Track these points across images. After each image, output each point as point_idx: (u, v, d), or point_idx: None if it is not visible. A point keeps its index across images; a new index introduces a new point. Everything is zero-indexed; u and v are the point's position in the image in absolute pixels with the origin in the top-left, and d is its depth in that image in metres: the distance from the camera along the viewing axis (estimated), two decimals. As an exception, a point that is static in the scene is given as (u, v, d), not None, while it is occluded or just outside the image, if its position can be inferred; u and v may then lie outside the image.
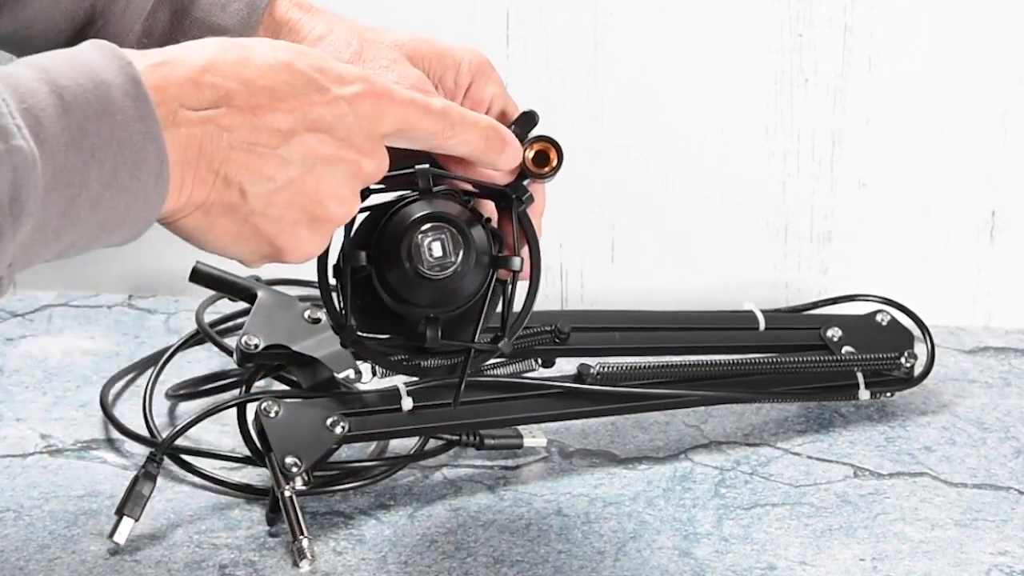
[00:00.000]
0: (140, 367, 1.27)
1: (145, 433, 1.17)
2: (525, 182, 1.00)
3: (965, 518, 1.09)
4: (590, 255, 1.39)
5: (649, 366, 1.17)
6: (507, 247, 0.99)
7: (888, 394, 1.23)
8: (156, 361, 1.25)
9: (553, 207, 1.37)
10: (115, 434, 1.19)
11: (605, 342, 1.19)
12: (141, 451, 1.16)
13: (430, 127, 0.91)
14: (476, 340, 0.99)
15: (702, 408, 1.23)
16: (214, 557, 1.05)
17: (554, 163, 1.00)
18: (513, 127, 1.00)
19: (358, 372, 1.10)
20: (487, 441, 1.14)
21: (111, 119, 0.77)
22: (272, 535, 1.07)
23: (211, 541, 1.06)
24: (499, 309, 1.00)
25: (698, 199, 1.37)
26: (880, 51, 1.31)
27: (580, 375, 1.16)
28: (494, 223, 1.00)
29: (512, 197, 0.99)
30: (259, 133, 0.84)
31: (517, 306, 1.01)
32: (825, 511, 1.10)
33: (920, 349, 1.24)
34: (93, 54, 0.80)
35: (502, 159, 0.97)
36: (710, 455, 1.17)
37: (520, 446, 1.16)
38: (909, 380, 1.22)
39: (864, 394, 1.20)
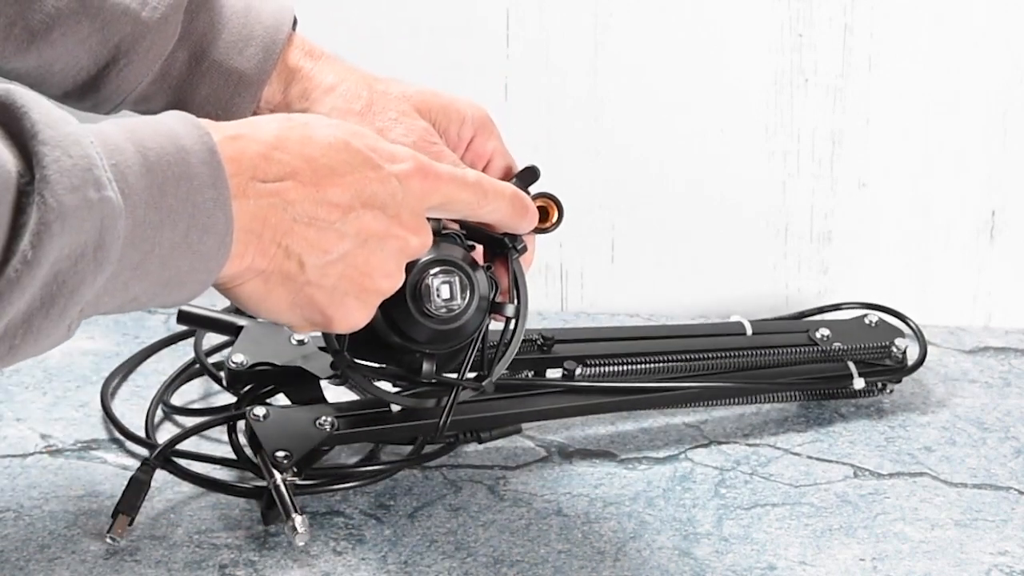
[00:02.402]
0: (139, 359, 1.29)
1: (142, 434, 1.18)
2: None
3: (965, 518, 1.09)
4: (590, 255, 1.39)
5: (640, 358, 1.18)
6: (501, 292, 1.04)
7: (888, 390, 1.23)
8: (152, 352, 1.29)
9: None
10: (115, 434, 1.19)
11: (590, 350, 1.19)
12: (142, 451, 1.16)
13: (468, 199, 0.96)
14: (463, 377, 1.05)
15: (702, 408, 1.23)
16: (214, 557, 1.05)
17: (555, 219, 1.06)
18: (515, 181, 1.06)
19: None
20: (483, 435, 1.15)
21: (188, 183, 0.82)
22: (272, 535, 1.07)
23: (211, 541, 1.06)
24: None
25: (698, 199, 1.37)
26: (880, 51, 1.31)
27: (566, 374, 1.17)
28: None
29: (509, 246, 1.04)
30: (320, 208, 0.89)
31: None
32: (825, 511, 1.10)
33: (912, 341, 1.24)
34: (175, 122, 0.84)
35: (524, 223, 1.02)
36: (710, 455, 1.17)
37: (520, 431, 1.17)
38: (903, 368, 1.22)
39: (859, 383, 1.20)
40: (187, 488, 1.12)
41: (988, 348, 1.33)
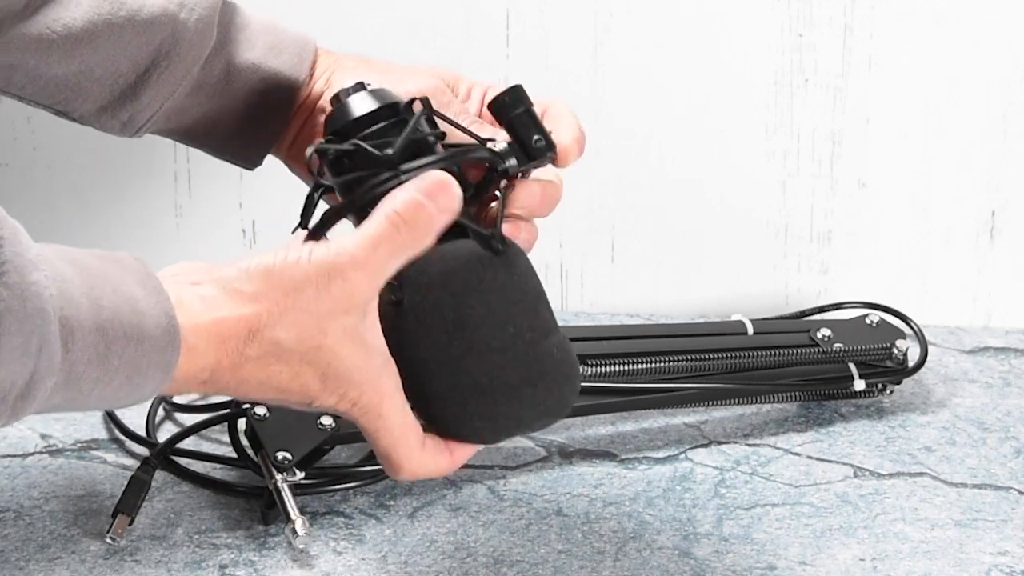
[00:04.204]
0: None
1: (143, 433, 1.18)
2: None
3: (965, 518, 1.09)
4: (590, 255, 1.39)
5: (641, 358, 1.19)
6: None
7: (888, 391, 1.23)
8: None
9: (553, 207, 1.38)
10: (115, 434, 1.19)
11: (590, 350, 1.19)
12: (142, 451, 1.16)
13: (399, 260, 0.89)
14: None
15: (702, 408, 1.23)
16: (214, 557, 1.05)
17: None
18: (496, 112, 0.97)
19: None
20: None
21: (138, 346, 0.82)
22: (272, 535, 1.07)
23: (211, 541, 1.06)
24: None
25: (698, 199, 1.37)
26: (880, 51, 1.31)
27: None
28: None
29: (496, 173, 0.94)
30: (270, 389, 0.88)
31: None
32: (825, 511, 1.10)
33: (913, 342, 1.24)
34: (138, 286, 0.83)
35: (438, 220, 0.90)
36: (710, 455, 1.17)
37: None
38: (903, 371, 1.22)
39: (859, 384, 1.20)
40: (187, 488, 1.12)
41: (988, 348, 1.33)
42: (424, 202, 0.87)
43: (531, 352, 0.90)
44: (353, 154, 0.92)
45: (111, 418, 1.20)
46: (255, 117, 1.05)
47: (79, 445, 1.18)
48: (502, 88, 0.97)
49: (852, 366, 1.21)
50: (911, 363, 1.23)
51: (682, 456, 1.17)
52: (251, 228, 1.41)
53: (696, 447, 1.18)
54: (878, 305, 1.29)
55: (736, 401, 1.22)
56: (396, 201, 0.87)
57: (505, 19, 1.33)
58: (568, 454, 1.17)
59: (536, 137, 0.95)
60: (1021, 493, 1.12)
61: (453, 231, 0.90)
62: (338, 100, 0.94)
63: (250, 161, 1.08)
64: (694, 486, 1.13)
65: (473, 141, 0.95)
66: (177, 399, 1.22)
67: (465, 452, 0.92)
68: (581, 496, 1.12)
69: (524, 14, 1.33)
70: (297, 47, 1.06)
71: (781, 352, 1.21)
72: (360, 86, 0.95)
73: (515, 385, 0.89)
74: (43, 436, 1.19)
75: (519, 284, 0.91)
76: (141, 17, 1.01)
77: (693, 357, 1.20)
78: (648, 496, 1.12)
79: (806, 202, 1.36)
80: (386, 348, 0.88)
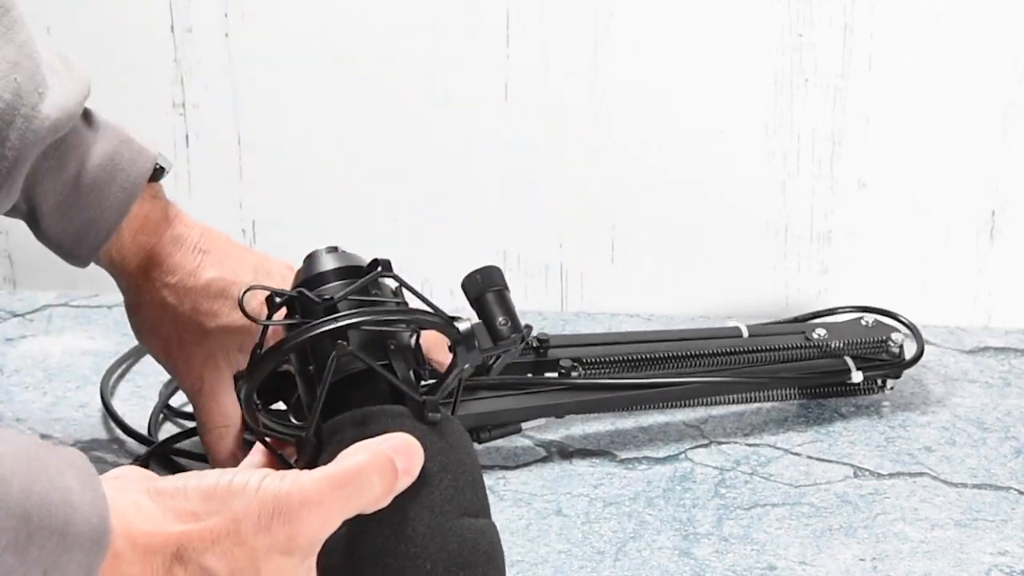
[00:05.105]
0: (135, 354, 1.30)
1: (143, 431, 1.19)
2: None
3: (965, 518, 1.09)
4: (590, 255, 1.39)
5: (637, 360, 1.19)
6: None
7: (889, 387, 1.23)
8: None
9: (553, 207, 1.38)
10: (116, 434, 1.19)
11: (586, 354, 1.19)
12: (143, 452, 1.16)
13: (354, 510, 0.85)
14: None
15: (702, 408, 1.23)
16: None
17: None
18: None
19: None
20: (483, 436, 1.14)
21: (62, 539, 0.77)
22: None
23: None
24: None
25: (698, 199, 1.37)
26: (880, 51, 1.31)
27: (562, 373, 1.17)
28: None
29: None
30: None
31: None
32: (825, 511, 1.10)
33: (908, 338, 1.24)
34: (75, 479, 0.79)
35: (399, 482, 0.86)
36: (710, 455, 1.17)
37: (519, 430, 1.16)
38: (900, 363, 1.22)
39: (856, 375, 1.20)
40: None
41: (988, 348, 1.33)
42: (394, 461, 0.83)
43: (443, 532, 0.85)
44: (296, 301, 0.91)
45: (112, 418, 1.20)
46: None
47: (79, 445, 1.17)
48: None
49: (848, 360, 1.21)
50: (907, 356, 1.23)
51: (682, 456, 1.17)
52: (251, 228, 1.41)
53: (696, 447, 1.18)
54: (871, 308, 1.28)
55: (735, 399, 1.22)
56: (367, 452, 0.83)
57: (505, 19, 1.33)
58: (568, 454, 1.17)
59: (502, 319, 0.92)
60: (1021, 493, 1.12)
61: (390, 393, 0.88)
62: (308, 258, 0.94)
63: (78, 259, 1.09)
64: (694, 486, 1.13)
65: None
66: (174, 402, 1.22)
67: None
68: (581, 496, 1.12)
69: (524, 14, 1.33)
70: (94, 235, 1.06)
71: (777, 351, 1.21)
72: (333, 248, 0.95)
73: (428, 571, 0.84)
74: (43, 436, 1.19)
75: (449, 458, 0.87)
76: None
77: (689, 357, 1.20)
78: (648, 496, 1.12)
79: (806, 202, 1.36)
80: None
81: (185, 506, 0.80)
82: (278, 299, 0.92)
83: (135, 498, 0.80)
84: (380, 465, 0.83)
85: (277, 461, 0.90)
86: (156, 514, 0.80)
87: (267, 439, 0.89)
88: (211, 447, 1.08)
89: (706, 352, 1.21)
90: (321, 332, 0.87)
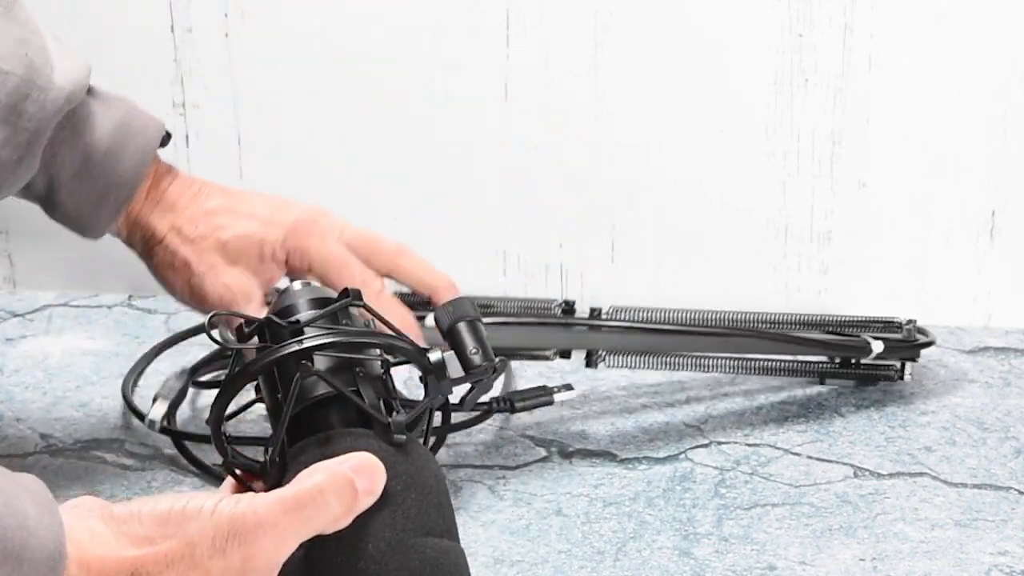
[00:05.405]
0: (156, 352, 1.30)
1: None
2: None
3: (965, 518, 1.09)
4: (590, 255, 1.39)
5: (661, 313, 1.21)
6: None
7: (908, 373, 1.24)
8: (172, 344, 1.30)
9: (553, 207, 1.38)
10: (115, 434, 1.19)
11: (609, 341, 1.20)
12: (143, 451, 1.16)
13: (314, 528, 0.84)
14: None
15: (702, 408, 1.23)
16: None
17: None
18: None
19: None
20: (517, 404, 1.13)
21: (17, 565, 0.77)
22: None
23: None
24: None
25: (698, 199, 1.37)
26: (880, 51, 1.31)
27: (593, 312, 1.19)
28: None
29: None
30: None
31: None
32: (825, 511, 1.10)
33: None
34: (32, 504, 0.79)
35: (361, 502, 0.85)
36: (710, 455, 1.17)
37: (551, 402, 1.15)
38: (916, 343, 1.23)
39: (877, 345, 1.21)
40: (192, 480, 1.12)
41: (988, 348, 1.33)
42: (353, 480, 0.82)
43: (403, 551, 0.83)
44: (266, 328, 0.91)
45: (129, 406, 1.20)
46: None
47: (79, 445, 1.18)
48: (357, 227, 1.05)
49: (868, 337, 1.22)
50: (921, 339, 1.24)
51: (682, 456, 1.17)
52: (251, 228, 1.41)
53: (696, 447, 1.18)
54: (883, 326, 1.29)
55: (755, 368, 1.23)
56: (324, 473, 0.82)
57: (505, 19, 1.33)
58: (568, 454, 1.17)
59: (473, 348, 0.91)
60: (1021, 493, 1.12)
61: (357, 418, 0.87)
62: (281, 292, 0.94)
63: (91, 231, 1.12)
64: (694, 486, 1.13)
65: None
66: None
67: None
68: (581, 496, 1.12)
69: (524, 14, 1.33)
70: (117, 199, 1.09)
71: (801, 324, 1.24)
72: (306, 283, 0.95)
73: None
74: (43, 436, 1.19)
75: (414, 478, 0.85)
76: None
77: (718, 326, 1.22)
78: (648, 496, 1.12)
79: (806, 202, 1.36)
80: None
81: (139, 531, 0.80)
82: (247, 328, 0.91)
83: (89, 524, 0.80)
84: (338, 485, 0.81)
85: (245, 492, 0.89)
86: (110, 539, 0.79)
87: (236, 471, 0.89)
88: None
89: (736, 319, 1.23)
90: (287, 353, 0.86)
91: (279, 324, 0.89)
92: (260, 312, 1.09)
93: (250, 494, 0.81)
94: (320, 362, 0.87)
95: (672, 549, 1.06)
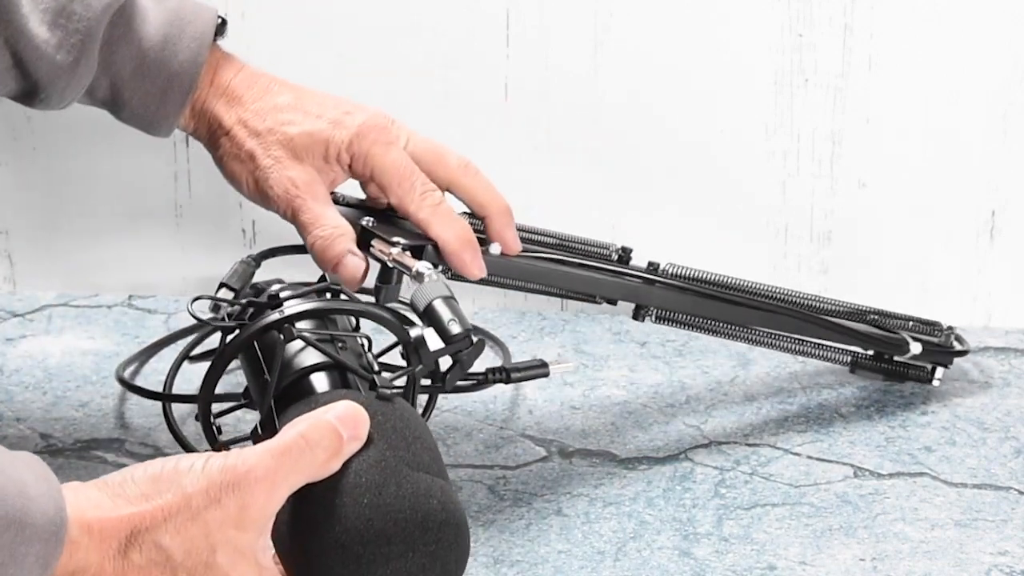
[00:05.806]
0: (152, 350, 1.30)
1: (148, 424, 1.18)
2: None
3: (965, 518, 1.09)
4: (590, 255, 1.39)
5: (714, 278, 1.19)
6: None
7: (938, 377, 1.24)
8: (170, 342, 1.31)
9: (553, 207, 1.38)
10: (115, 434, 1.19)
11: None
12: (142, 451, 1.16)
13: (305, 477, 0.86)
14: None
15: (702, 408, 1.23)
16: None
17: None
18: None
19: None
20: (513, 375, 1.12)
21: (20, 531, 0.78)
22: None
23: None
24: None
25: (698, 199, 1.37)
26: (880, 51, 1.31)
27: (651, 268, 1.17)
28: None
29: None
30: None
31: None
32: (825, 511, 1.10)
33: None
34: (28, 471, 0.80)
35: (346, 448, 0.88)
36: (710, 455, 1.17)
37: (547, 374, 1.13)
38: (951, 350, 1.23)
39: (915, 347, 1.21)
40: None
41: (988, 348, 1.33)
42: (336, 426, 0.85)
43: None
44: (250, 309, 0.95)
45: (124, 383, 1.21)
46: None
47: (79, 445, 1.18)
48: (424, 137, 1.06)
49: (906, 335, 1.21)
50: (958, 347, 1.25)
51: (682, 456, 1.17)
52: (251, 228, 1.41)
53: (696, 447, 1.18)
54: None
55: (789, 348, 1.21)
56: (307, 421, 0.85)
57: (505, 19, 1.33)
58: (568, 454, 1.17)
59: (450, 318, 0.95)
60: (1021, 493, 1.12)
61: (341, 383, 0.90)
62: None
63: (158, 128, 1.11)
64: (694, 486, 1.13)
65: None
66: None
67: None
68: (581, 496, 1.12)
69: (524, 14, 1.33)
70: (180, 87, 1.08)
71: (846, 312, 1.22)
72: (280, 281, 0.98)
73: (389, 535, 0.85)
74: (43, 436, 1.19)
75: (400, 423, 0.89)
76: (18, 52, 1.04)
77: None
78: (648, 496, 1.12)
79: (806, 202, 1.36)
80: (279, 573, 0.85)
81: (134, 490, 0.82)
82: (230, 307, 0.95)
83: (86, 492, 0.83)
84: (322, 431, 0.85)
85: None
86: (107, 502, 0.82)
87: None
88: (323, 252, 1.05)
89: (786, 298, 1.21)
90: (269, 322, 0.90)
91: (260, 303, 0.92)
92: (326, 202, 1.08)
93: (236, 449, 0.84)
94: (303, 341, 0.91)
95: (672, 549, 1.06)
